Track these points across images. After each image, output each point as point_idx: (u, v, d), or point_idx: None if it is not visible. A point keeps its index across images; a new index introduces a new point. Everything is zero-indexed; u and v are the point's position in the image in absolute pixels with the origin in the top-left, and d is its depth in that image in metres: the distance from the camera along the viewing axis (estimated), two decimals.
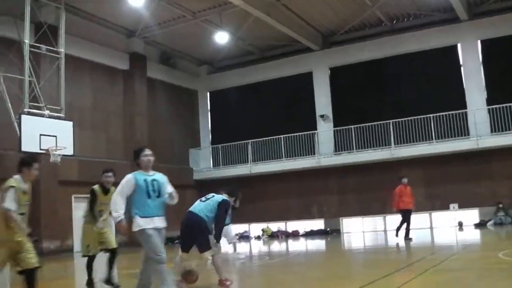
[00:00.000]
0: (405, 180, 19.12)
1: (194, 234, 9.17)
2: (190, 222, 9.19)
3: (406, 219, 18.98)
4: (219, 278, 9.38)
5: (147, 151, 7.59)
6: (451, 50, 27.65)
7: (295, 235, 28.72)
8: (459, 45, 27.47)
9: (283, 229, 29.40)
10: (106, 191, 10.53)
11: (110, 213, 8.26)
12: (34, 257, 7.37)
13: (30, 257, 7.31)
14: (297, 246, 22.77)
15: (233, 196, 9.74)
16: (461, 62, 27.40)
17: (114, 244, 10.51)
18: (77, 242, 24.33)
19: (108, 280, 10.17)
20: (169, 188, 7.66)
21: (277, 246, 23.46)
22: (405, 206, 18.88)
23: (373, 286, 8.57)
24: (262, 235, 29.14)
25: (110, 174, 10.67)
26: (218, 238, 9.21)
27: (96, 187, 10.60)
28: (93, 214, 10.51)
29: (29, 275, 7.32)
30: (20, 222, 7.28)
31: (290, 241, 25.49)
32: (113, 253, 10.43)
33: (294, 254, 18.52)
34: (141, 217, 7.28)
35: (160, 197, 7.45)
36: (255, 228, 29.96)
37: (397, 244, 18.41)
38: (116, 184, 8.39)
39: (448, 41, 27.50)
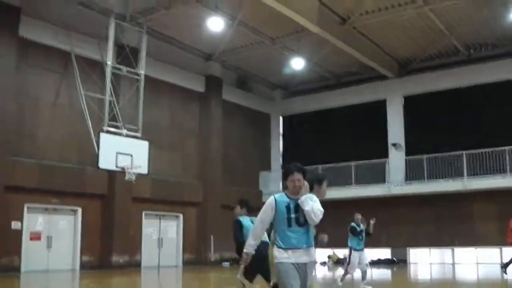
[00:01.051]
0: None
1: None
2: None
3: None
4: None
5: (295, 176, 6.18)
6: None
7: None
8: None
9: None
10: None
11: None
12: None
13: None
14: None
15: None
16: None
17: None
18: (145, 257, 25.12)
19: None
20: (307, 206, 6.15)
21: (342, 273, 23.28)
22: None
23: None
24: (328, 261, 29.05)
25: None
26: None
27: None
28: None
29: None
30: None
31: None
32: None
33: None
34: (279, 248, 6.13)
35: (305, 226, 6.17)
36: (321, 254, 29.86)
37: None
38: None
39: None
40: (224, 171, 29.08)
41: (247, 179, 30.98)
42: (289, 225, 6.06)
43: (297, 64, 28.53)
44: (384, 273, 23.12)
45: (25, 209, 21.17)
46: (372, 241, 28.11)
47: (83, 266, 22.75)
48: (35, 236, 21.58)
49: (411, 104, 29.81)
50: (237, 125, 31.65)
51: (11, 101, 20.77)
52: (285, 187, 6.33)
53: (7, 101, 20.62)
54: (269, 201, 6.19)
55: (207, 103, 29.21)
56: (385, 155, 29.36)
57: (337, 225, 28.95)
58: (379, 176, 28.49)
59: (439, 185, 26.54)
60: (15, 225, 20.59)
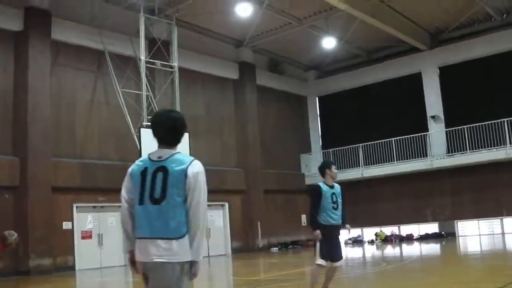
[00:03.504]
0: None
1: None
2: None
3: None
4: None
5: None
6: None
7: (409, 239, 28.36)
8: None
9: (397, 233, 29.10)
10: None
11: None
12: None
13: None
14: (412, 250, 22.49)
15: None
16: None
17: None
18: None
19: None
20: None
21: (391, 250, 23.28)
22: None
23: None
24: (376, 239, 28.96)
25: None
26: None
27: None
28: None
29: None
30: None
31: (404, 246, 25.22)
32: None
33: (410, 260, 18.30)
34: None
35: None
36: (368, 232, 29.81)
37: None
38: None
39: None
40: (263, 156, 29.05)
41: (288, 162, 30.94)
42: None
43: (328, 43, 28.24)
44: (433, 248, 22.99)
45: (74, 208, 21.43)
46: (418, 216, 28.21)
47: None
48: (86, 235, 21.88)
49: (447, 75, 29.25)
50: (273, 109, 31.50)
51: (47, 103, 20.89)
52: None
53: (44, 103, 20.75)
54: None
55: (241, 89, 29.17)
56: (425, 128, 28.93)
57: (382, 202, 29.18)
58: (421, 150, 28.14)
59: (482, 155, 26.12)
60: (66, 225, 20.94)
